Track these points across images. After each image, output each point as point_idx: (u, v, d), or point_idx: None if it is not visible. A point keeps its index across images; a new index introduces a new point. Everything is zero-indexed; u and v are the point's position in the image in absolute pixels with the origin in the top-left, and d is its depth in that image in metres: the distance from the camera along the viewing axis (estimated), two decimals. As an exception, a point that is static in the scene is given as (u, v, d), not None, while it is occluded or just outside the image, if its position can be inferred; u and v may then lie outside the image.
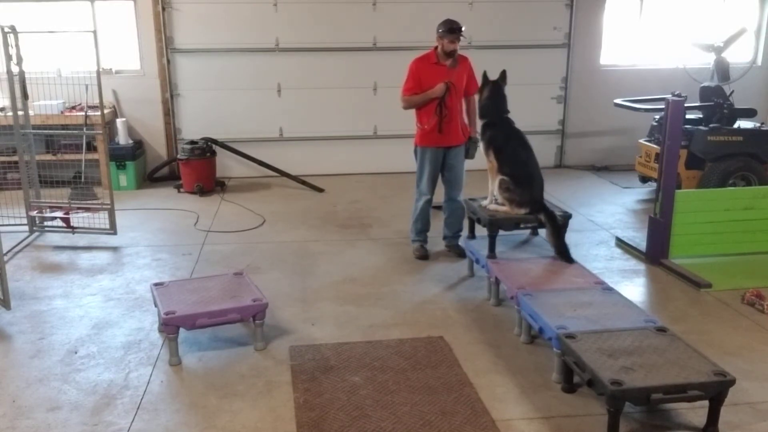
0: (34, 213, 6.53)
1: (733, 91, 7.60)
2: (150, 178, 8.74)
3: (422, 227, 6.00)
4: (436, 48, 5.67)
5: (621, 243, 6.26)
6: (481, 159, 5.54)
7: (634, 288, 5.36)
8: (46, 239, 6.48)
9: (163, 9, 8.38)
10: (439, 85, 5.58)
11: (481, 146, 5.40)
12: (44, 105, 7.64)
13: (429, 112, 5.67)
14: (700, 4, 9.33)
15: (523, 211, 5.11)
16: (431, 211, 6.01)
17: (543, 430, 3.50)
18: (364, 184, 8.60)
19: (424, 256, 5.95)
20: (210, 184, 8.25)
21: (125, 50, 8.56)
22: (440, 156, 5.81)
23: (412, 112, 5.83)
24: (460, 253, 5.88)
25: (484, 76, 5.42)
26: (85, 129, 7.72)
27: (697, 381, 3.28)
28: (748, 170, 7.15)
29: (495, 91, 5.37)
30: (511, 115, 5.37)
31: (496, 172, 5.24)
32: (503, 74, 5.40)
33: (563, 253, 4.89)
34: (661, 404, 3.47)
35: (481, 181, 5.68)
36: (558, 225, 4.97)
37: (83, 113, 7.86)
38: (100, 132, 7.32)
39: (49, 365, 4.13)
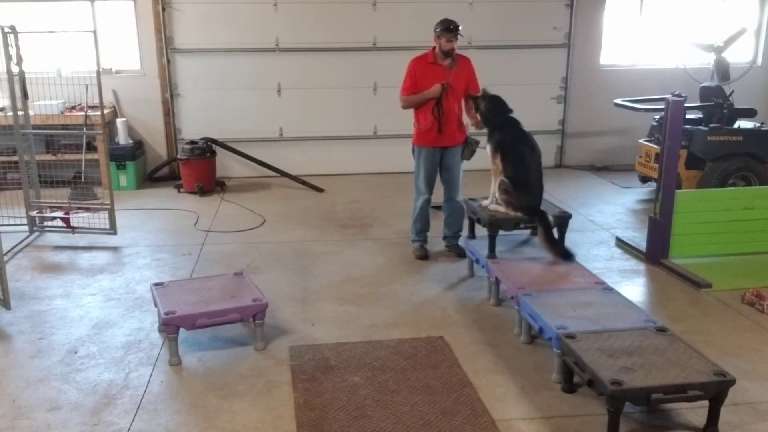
0: (34, 213, 6.53)
1: (733, 91, 7.60)
2: (150, 178, 8.74)
3: (422, 227, 6.00)
4: (434, 48, 5.67)
5: (621, 243, 6.26)
6: (482, 159, 5.54)
7: (634, 288, 5.36)
8: (46, 239, 6.48)
9: (163, 9, 8.38)
10: (435, 86, 5.58)
11: (488, 148, 5.40)
12: (44, 105, 7.64)
13: (426, 111, 5.68)
14: (700, 4, 9.33)
15: (519, 214, 5.15)
16: (431, 211, 6.02)
17: (543, 430, 3.50)
18: (364, 184, 8.60)
19: (424, 256, 5.95)
20: (210, 184, 8.25)
21: (125, 50, 8.56)
22: (437, 156, 5.81)
23: (411, 111, 5.85)
24: (460, 253, 5.87)
25: (483, 91, 5.53)
26: (85, 129, 7.72)
27: (697, 381, 3.28)
28: (748, 170, 7.15)
29: (491, 99, 5.43)
30: (516, 116, 5.38)
31: (499, 173, 5.25)
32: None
33: (562, 253, 4.89)
34: (661, 404, 3.47)
35: (482, 181, 5.69)
36: (550, 228, 4.99)
37: (83, 113, 7.86)
38: (100, 132, 7.32)
39: (49, 365, 4.13)
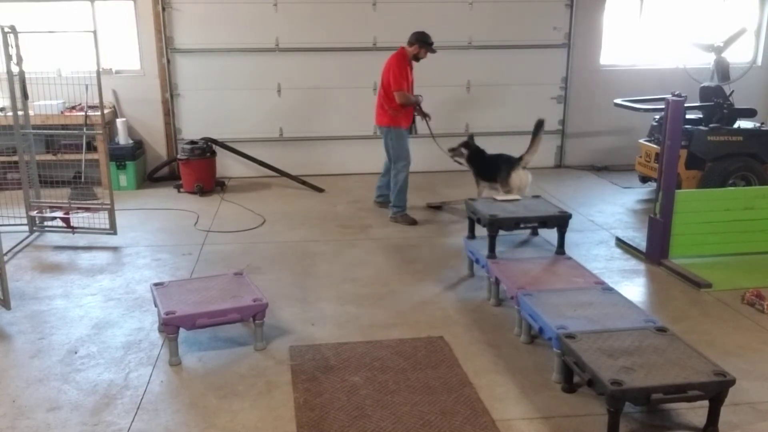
0: (34, 213, 6.54)
1: (733, 91, 7.60)
2: (150, 178, 8.74)
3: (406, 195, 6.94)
4: (404, 50, 6.46)
5: (621, 243, 6.26)
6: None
7: (634, 288, 5.36)
8: (46, 239, 6.48)
9: (163, 9, 8.38)
10: (418, 96, 6.88)
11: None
12: (44, 105, 7.64)
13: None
14: (700, 4, 9.33)
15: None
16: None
17: (543, 430, 3.50)
18: (364, 184, 8.60)
19: (414, 221, 6.80)
20: (210, 184, 8.25)
21: (125, 50, 8.56)
22: None
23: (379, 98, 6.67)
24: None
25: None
26: (85, 129, 7.72)
27: (697, 381, 3.27)
28: (748, 170, 7.15)
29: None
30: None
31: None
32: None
33: None
34: (661, 404, 3.47)
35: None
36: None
37: (83, 113, 7.86)
38: (100, 132, 7.33)
39: (49, 365, 4.13)
